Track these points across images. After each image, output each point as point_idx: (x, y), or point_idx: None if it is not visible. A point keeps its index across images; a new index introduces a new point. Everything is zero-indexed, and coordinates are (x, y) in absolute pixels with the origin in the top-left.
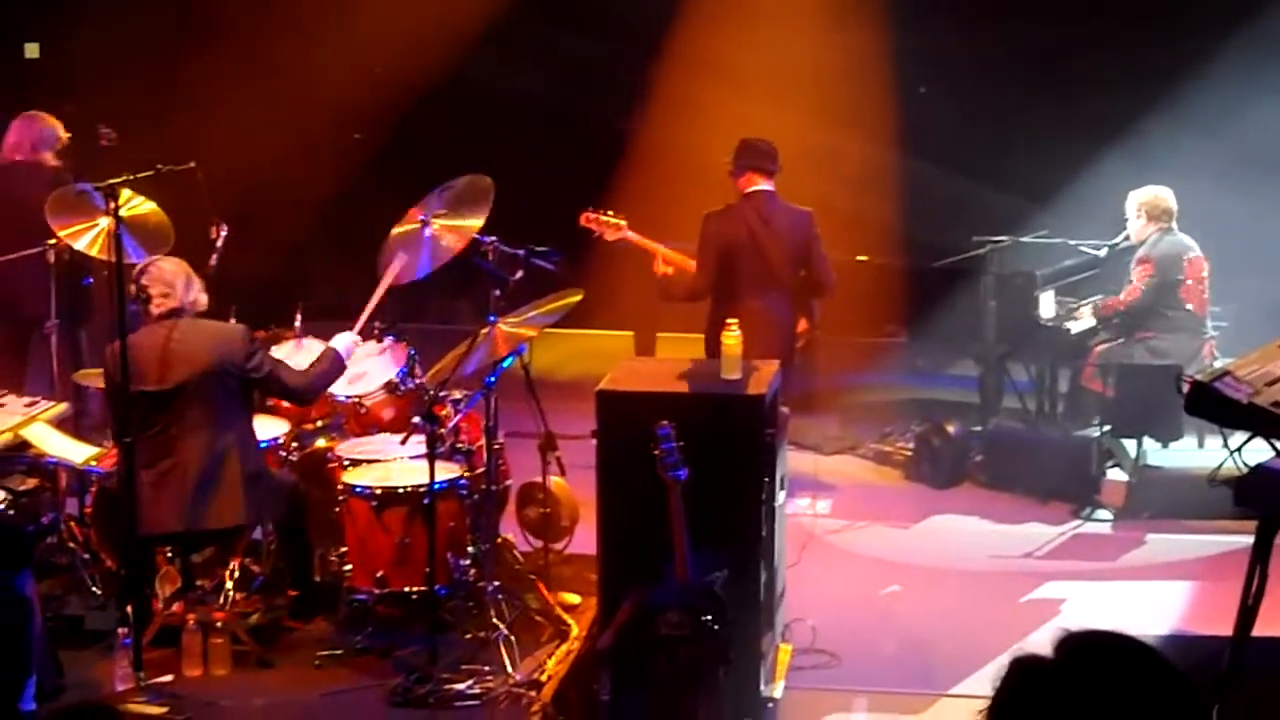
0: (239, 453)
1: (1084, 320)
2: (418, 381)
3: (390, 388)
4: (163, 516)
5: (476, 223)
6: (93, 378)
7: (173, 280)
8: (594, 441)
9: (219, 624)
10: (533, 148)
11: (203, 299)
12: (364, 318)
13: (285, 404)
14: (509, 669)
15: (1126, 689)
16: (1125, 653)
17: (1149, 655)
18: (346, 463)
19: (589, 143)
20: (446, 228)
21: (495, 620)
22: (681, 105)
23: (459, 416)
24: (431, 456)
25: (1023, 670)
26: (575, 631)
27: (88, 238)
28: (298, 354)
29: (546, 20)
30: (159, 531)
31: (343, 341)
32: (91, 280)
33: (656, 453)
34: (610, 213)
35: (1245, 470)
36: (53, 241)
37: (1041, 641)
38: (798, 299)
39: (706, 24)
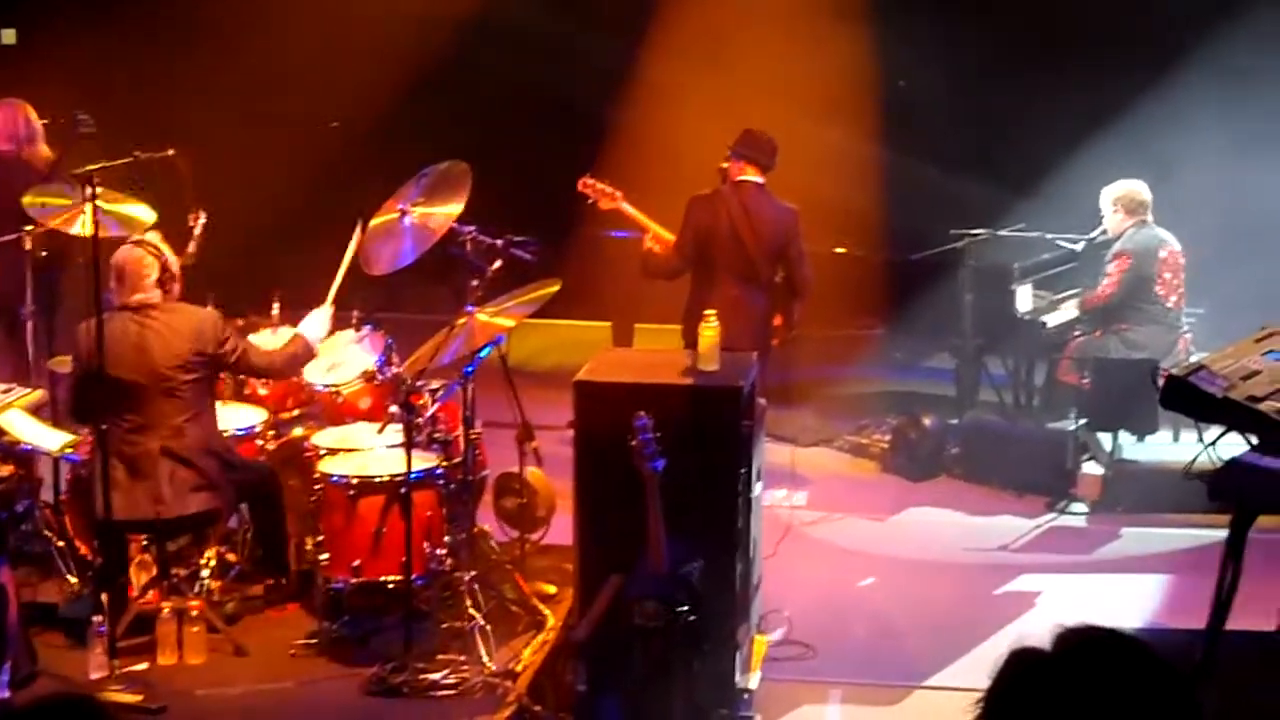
0: (211, 439)
1: (1060, 313)
2: (395, 371)
3: (367, 377)
4: (135, 503)
5: (455, 209)
6: (67, 364)
7: (121, 271)
8: (571, 432)
9: (194, 612)
10: (513, 136)
11: (151, 297)
12: (334, 289)
13: (262, 391)
14: (484, 659)
15: (1124, 683)
16: (1123, 648)
17: (1146, 651)
18: (323, 451)
19: (570, 130)
20: (426, 215)
21: (471, 610)
22: (663, 93)
23: (436, 406)
24: (408, 446)
25: (1020, 662)
26: (551, 622)
27: (79, 222)
28: (274, 341)
29: (529, 5)
30: (131, 518)
31: (314, 327)
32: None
33: (633, 443)
34: (607, 182)
35: (1219, 464)
36: (29, 228)
37: (1017, 634)
38: (776, 297)
39: (690, 11)
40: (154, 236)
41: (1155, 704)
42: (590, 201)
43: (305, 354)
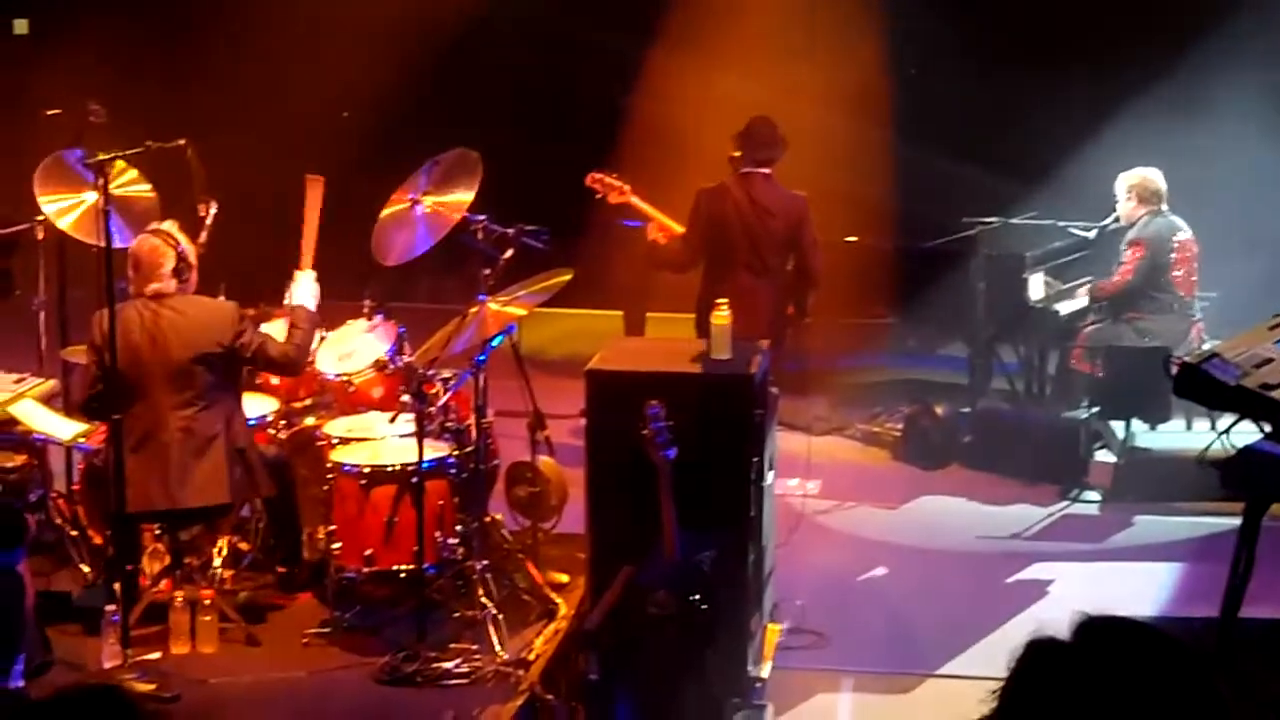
0: (225, 431)
1: (1073, 302)
2: (407, 360)
3: (379, 366)
4: (148, 494)
5: (466, 197)
6: (80, 354)
7: (137, 261)
8: (583, 421)
9: (207, 601)
10: (525, 126)
11: (167, 286)
12: (309, 252)
13: (274, 380)
14: (497, 648)
15: (1144, 672)
16: (1143, 637)
17: (1167, 641)
18: (335, 441)
19: (582, 120)
20: (438, 204)
21: (483, 599)
22: (673, 83)
23: (448, 395)
24: (420, 435)
25: (1039, 651)
26: (563, 611)
27: (71, 217)
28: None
29: None
30: (144, 509)
31: (305, 294)
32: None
33: (645, 432)
34: (616, 176)
35: (1233, 452)
36: (41, 217)
37: (1035, 624)
38: (788, 286)
39: (701, 1)
40: (171, 226)
41: (1178, 694)
42: (599, 196)
43: (313, 326)
